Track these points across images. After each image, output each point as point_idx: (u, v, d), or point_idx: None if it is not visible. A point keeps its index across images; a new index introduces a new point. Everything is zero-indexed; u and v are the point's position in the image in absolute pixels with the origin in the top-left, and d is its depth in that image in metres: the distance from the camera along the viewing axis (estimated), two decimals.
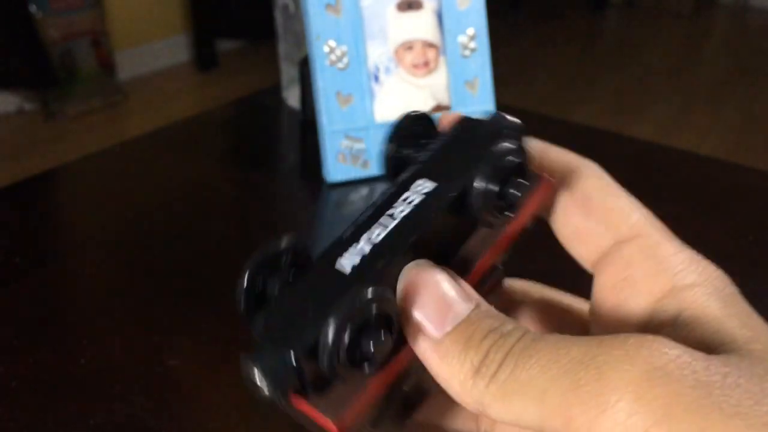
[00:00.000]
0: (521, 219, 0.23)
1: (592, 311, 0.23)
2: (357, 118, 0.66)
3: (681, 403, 0.16)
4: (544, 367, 0.18)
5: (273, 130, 0.83)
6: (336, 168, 0.66)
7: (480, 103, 0.69)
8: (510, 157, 0.21)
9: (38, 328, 0.49)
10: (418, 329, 0.20)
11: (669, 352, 0.17)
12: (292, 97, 0.81)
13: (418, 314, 0.20)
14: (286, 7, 0.78)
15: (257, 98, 0.87)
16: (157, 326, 0.49)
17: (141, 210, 0.64)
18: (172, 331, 0.48)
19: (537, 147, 0.25)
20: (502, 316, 0.20)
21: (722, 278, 0.21)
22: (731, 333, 0.18)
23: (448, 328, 0.20)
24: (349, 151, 0.66)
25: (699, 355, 0.17)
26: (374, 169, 0.67)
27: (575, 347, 0.18)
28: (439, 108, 0.69)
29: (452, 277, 0.21)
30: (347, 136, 0.66)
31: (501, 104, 0.71)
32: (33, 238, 0.60)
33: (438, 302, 0.20)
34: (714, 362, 0.17)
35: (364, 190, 0.66)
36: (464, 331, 0.20)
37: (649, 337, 0.17)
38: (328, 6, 0.64)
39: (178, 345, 0.47)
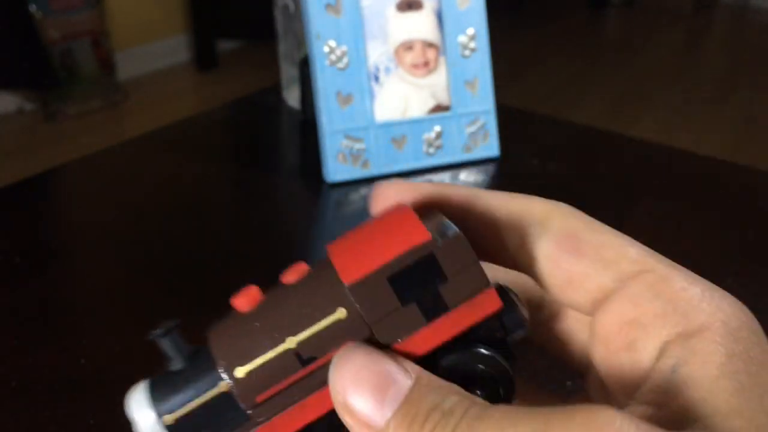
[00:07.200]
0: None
1: (593, 352, 0.22)
2: (357, 118, 0.66)
3: None
4: None
5: (273, 130, 0.83)
6: (336, 168, 0.66)
7: (480, 103, 0.69)
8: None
9: (38, 328, 0.49)
10: (360, 420, 0.19)
11: None
12: (292, 97, 0.81)
13: (357, 402, 0.19)
14: (286, 7, 0.78)
15: (257, 98, 0.87)
16: (157, 326, 0.49)
17: (141, 210, 0.64)
18: None
19: (485, 200, 0.23)
20: (445, 386, 0.19)
21: (739, 317, 0.18)
22: (715, 404, 0.17)
23: (389, 413, 0.18)
24: (349, 151, 0.66)
25: None
26: (374, 169, 0.67)
27: (522, 424, 0.17)
28: (439, 108, 0.69)
29: (385, 353, 0.19)
30: (347, 136, 0.66)
31: (501, 104, 0.71)
32: (33, 238, 0.60)
33: (375, 381, 0.19)
34: None
35: (364, 190, 0.66)
36: (406, 414, 0.18)
37: (599, 419, 0.16)
38: (328, 6, 0.64)
39: None
